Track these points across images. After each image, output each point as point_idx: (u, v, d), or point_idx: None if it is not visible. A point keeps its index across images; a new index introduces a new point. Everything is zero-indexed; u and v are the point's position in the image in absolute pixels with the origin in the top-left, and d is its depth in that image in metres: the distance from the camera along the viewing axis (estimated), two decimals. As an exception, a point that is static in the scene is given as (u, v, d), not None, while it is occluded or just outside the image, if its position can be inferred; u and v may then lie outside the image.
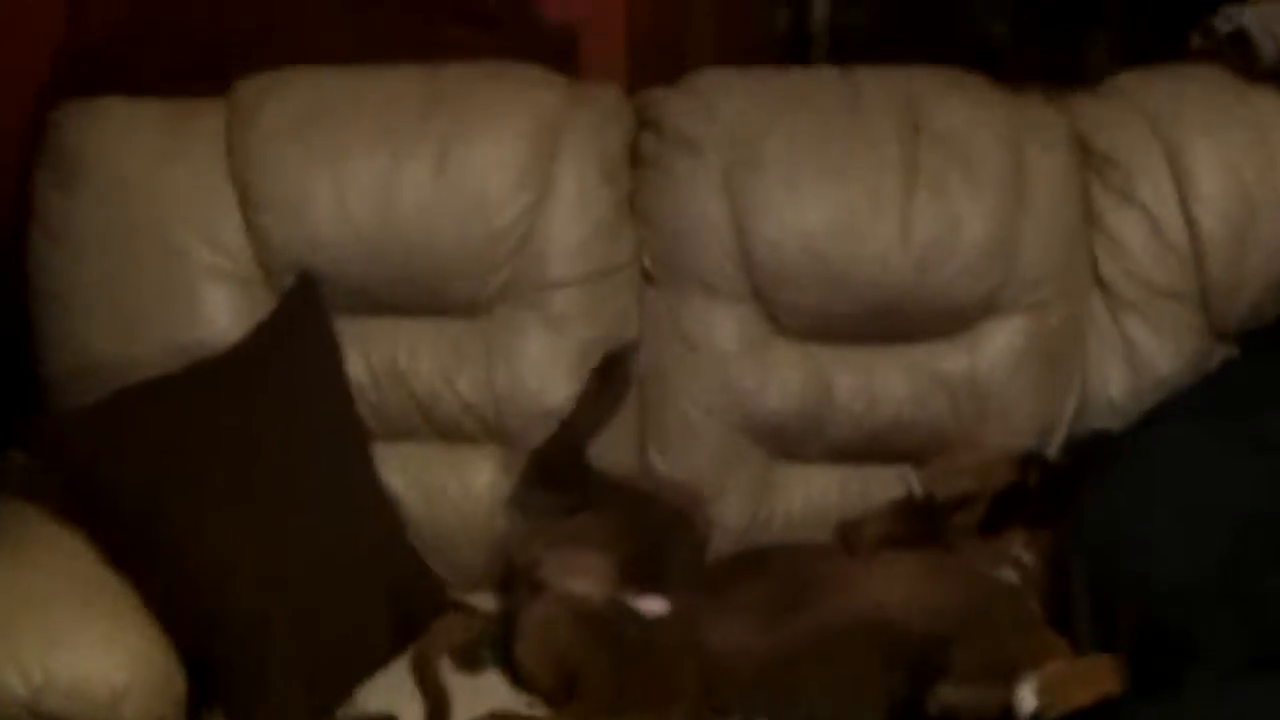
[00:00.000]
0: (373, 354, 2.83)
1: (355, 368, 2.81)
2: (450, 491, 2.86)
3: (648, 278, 2.92)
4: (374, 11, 3.17)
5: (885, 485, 2.92)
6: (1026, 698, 2.34)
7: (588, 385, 2.82)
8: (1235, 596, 2.46)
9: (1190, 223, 2.90)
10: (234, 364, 2.69)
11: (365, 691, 2.54)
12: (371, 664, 2.59)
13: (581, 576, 2.67)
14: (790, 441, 2.91)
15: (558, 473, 2.80)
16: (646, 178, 2.91)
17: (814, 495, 2.93)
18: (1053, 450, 2.93)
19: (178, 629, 2.36)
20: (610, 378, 2.81)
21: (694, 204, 2.87)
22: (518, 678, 2.60)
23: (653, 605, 2.64)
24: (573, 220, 2.86)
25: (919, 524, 2.80)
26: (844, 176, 2.87)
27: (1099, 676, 2.40)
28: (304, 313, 2.78)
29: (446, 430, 2.86)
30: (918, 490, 2.75)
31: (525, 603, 2.64)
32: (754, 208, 2.85)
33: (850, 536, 2.85)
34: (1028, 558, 2.73)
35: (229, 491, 2.46)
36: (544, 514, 2.82)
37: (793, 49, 3.93)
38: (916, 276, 2.85)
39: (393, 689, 2.55)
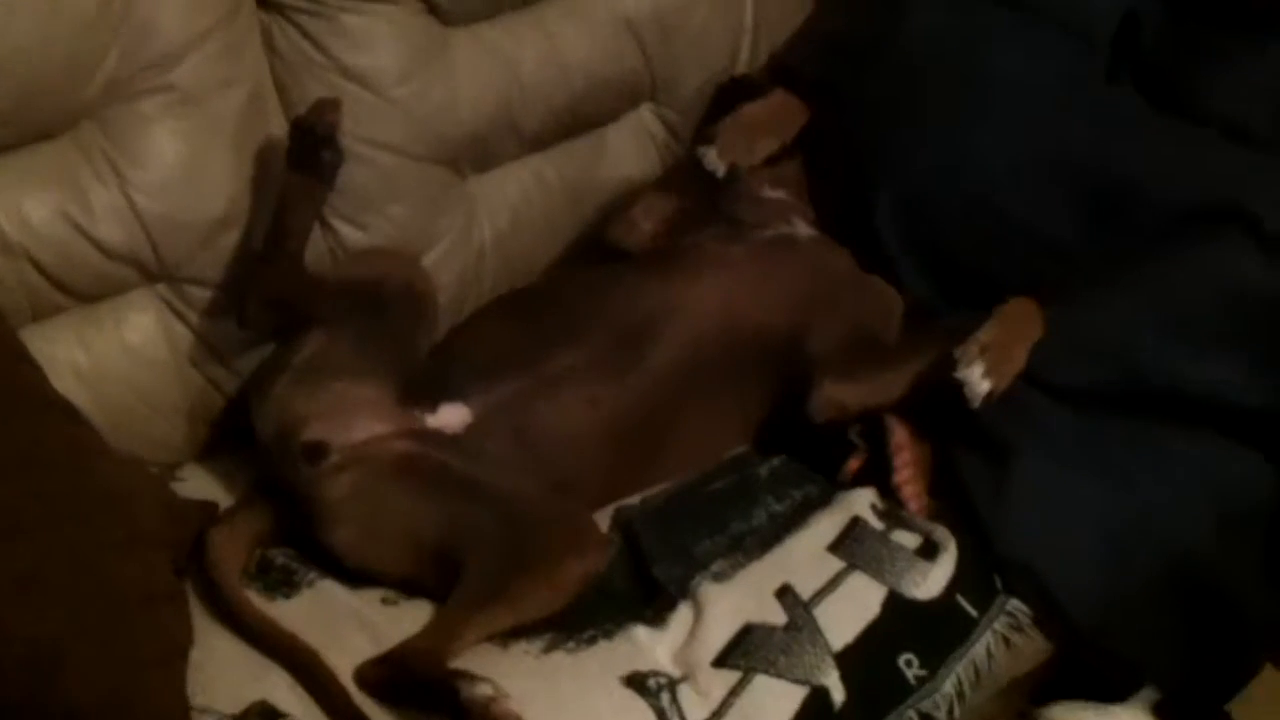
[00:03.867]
0: (-37, 225, 1.99)
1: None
2: (116, 362, 2.14)
3: (269, 7, 2.18)
4: None
5: (579, 159, 2.49)
6: (976, 379, 2.06)
7: (286, 176, 2.10)
8: (1065, 172, 2.31)
9: None
10: None
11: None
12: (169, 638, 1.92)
13: (359, 417, 2.08)
14: (485, 151, 2.36)
15: (278, 297, 2.12)
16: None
17: (515, 202, 2.43)
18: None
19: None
20: (309, 154, 2.07)
21: (314, -110, 2.14)
22: (349, 571, 2.05)
23: (453, 416, 2.11)
24: (175, -37, 2.06)
25: (693, 199, 2.37)
26: None
27: (1026, 326, 2.17)
28: None
29: (93, 290, 2.10)
30: (720, 169, 2.29)
31: (311, 477, 2.04)
32: (389, -121, 2.16)
33: (627, 238, 2.37)
34: (787, 196, 2.40)
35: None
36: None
37: None
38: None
39: (222, 663, 1.92)
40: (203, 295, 2.17)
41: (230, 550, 2.04)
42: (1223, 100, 2.37)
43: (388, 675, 1.88)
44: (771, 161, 2.38)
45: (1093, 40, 2.45)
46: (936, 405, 2.14)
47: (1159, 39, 2.46)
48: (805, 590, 2.03)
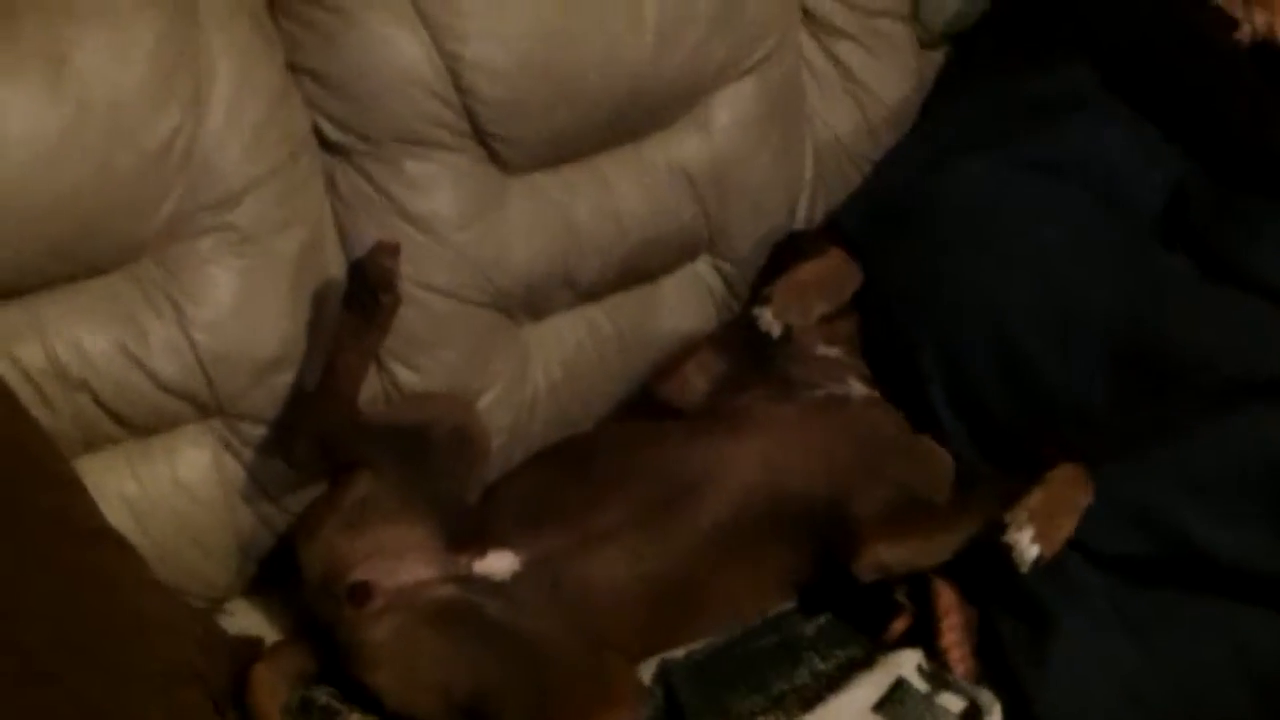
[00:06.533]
0: (21, 356, 2.00)
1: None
2: (167, 496, 2.14)
3: (331, 149, 2.22)
4: None
5: (634, 310, 2.50)
6: (1025, 545, 2.03)
7: (342, 317, 2.12)
8: (1101, 337, 2.30)
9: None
10: None
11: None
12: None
13: (405, 560, 2.08)
14: (540, 299, 2.38)
15: (329, 438, 2.13)
16: (306, 25, 2.16)
17: (569, 351, 2.44)
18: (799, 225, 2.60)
19: None
20: (366, 297, 2.09)
21: (378, 43, 2.17)
22: (390, 713, 2.04)
23: (500, 563, 2.11)
24: (239, 107, 2.09)
25: (747, 357, 2.37)
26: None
27: (1075, 492, 2.12)
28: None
29: (147, 423, 2.11)
30: (776, 330, 2.28)
31: (354, 619, 2.04)
32: (457, 31, 2.19)
33: (679, 395, 2.38)
34: (841, 354, 2.41)
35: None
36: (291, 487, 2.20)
37: None
38: (655, 60, 2.34)
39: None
40: (256, 432, 2.18)
41: (272, 688, 2.03)
42: (1270, 270, 2.36)
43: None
44: (827, 319, 2.38)
45: (1137, 209, 2.45)
46: (977, 566, 2.13)
47: (1207, 209, 2.46)
48: (847, 751, 2.01)
